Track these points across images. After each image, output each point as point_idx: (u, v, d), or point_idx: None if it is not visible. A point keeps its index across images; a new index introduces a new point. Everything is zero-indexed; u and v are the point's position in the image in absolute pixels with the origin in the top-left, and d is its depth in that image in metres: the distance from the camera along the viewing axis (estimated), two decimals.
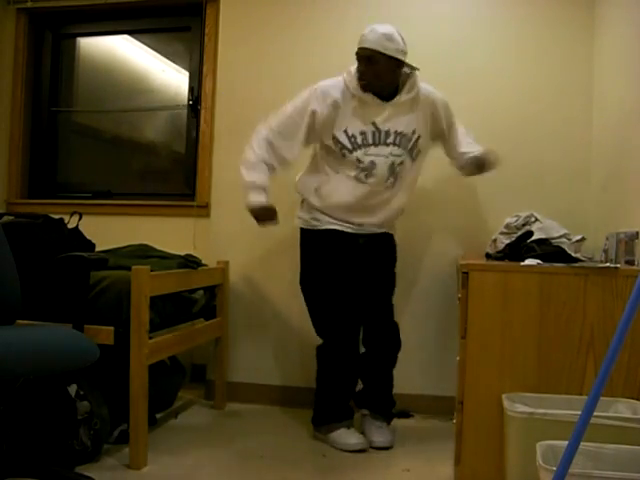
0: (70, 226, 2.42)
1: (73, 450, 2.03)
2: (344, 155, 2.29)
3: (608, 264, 1.88)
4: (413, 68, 2.30)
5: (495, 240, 2.28)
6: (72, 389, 2.03)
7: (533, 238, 2.05)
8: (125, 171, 3.44)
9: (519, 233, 2.12)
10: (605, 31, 2.55)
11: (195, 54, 3.21)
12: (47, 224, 2.28)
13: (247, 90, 2.98)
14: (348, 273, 2.36)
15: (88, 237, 2.52)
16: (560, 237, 2.04)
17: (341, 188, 2.32)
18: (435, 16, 2.83)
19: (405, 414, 2.72)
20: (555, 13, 2.72)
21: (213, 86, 3.07)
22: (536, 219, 2.17)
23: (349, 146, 2.28)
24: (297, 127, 2.30)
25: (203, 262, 2.70)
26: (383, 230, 2.43)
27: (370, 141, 2.28)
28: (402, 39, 2.24)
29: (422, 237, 2.81)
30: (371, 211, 2.35)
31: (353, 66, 2.29)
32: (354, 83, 2.26)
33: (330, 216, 2.35)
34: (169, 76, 3.41)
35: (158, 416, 2.55)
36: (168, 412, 2.66)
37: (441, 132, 2.42)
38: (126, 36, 3.42)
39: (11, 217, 2.28)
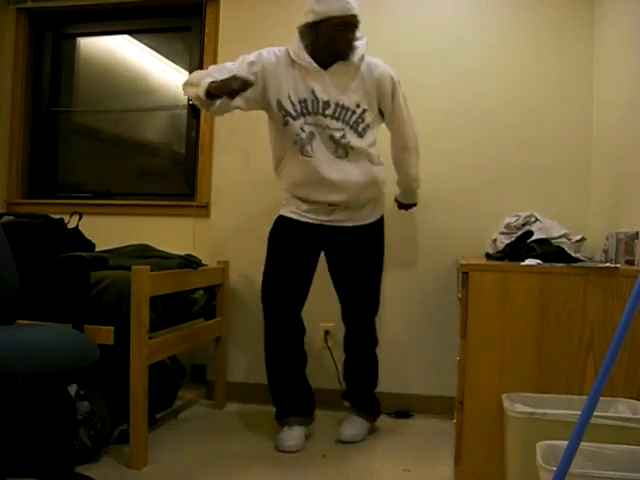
0: (70, 226, 2.42)
1: (73, 450, 2.02)
2: (287, 123, 2.22)
3: (608, 264, 1.88)
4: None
5: (495, 240, 2.28)
6: (72, 389, 2.03)
7: (533, 238, 2.05)
8: (125, 171, 3.44)
9: (519, 233, 2.13)
10: (605, 30, 2.55)
11: (195, 54, 3.21)
12: (47, 224, 2.28)
13: None
14: (297, 262, 2.28)
15: (88, 237, 2.52)
16: (560, 237, 2.04)
17: (293, 166, 2.26)
18: (435, 16, 2.83)
19: (405, 414, 2.72)
20: (555, 12, 2.72)
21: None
22: (536, 219, 2.17)
23: (292, 113, 2.22)
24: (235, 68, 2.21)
25: (203, 262, 2.70)
26: (354, 223, 2.30)
27: (310, 109, 2.21)
28: None
29: (422, 237, 2.81)
30: (332, 186, 2.23)
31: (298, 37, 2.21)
32: (301, 52, 2.19)
33: (294, 197, 2.30)
34: (169, 76, 3.41)
35: (158, 416, 2.55)
36: (168, 412, 2.67)
37: (384, 110, 2.31)
38: (126, 36, 3.41)
39: (11, 217, 2.28)
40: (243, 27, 3.00)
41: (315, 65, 2.20)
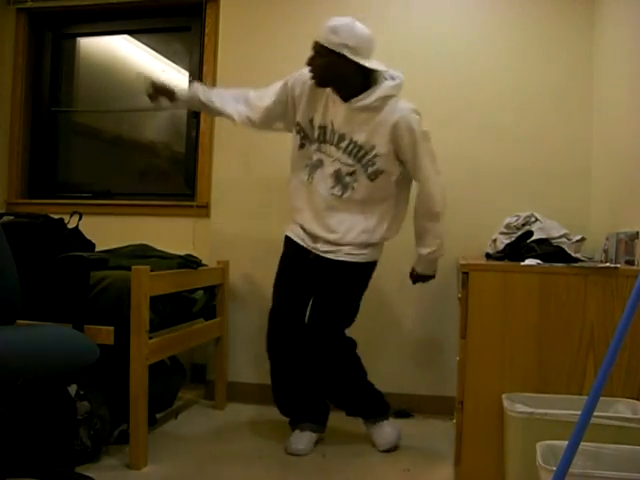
0: (70, 226, 2.42)
1: (73, 450, 2.02)
2: (303, 145, 2.22)
3: (608, 264, 1.88)
4: (376, 72, 2.10)
5: (495, 240, 2.28)
6: (72, 389, 2.03)
7: (533, 238, 2.05)
8: (125, 171, 3.44)
9: (519, 233, 2.13)
10: (605, 30, 2.55)
11: (195, 54, 3.21)
12: (47, 224, 2.27)
13: None
14: (293, 280, 2.28)
15: (88, 237, 2.52)
16: (560, 237, 2.04)
17: (297, 188, 2.26)
18: (436, 17, 2.83)
19: (405, 414, 2.72)
20: (555, 12, 2.72)
21: (213, 86, 3.06)
22: (536, 219, 2.17)
23: (311, 136, 2.20)
24: (270, 90, 2.27)
25: (203, 262, 2.70)
26: (341, 258, 2.18)
27: (327, 138, 2.17)
28: (358, 34, 2.04)
29: None
30: (326, 224, 2.19)
31: None
32: None
33: (294, 220, 2.30)
34: (169, 76, 3.41)
35: (158, 416, 2.55)
36: (168, 412, 2.67)
37: (405, 163, 2.16)
38: (126, 36, 3.41)
39: (11, 217, 2.28)
40: (243, 27, 3.00)
41: (335, 95, 2.14)
